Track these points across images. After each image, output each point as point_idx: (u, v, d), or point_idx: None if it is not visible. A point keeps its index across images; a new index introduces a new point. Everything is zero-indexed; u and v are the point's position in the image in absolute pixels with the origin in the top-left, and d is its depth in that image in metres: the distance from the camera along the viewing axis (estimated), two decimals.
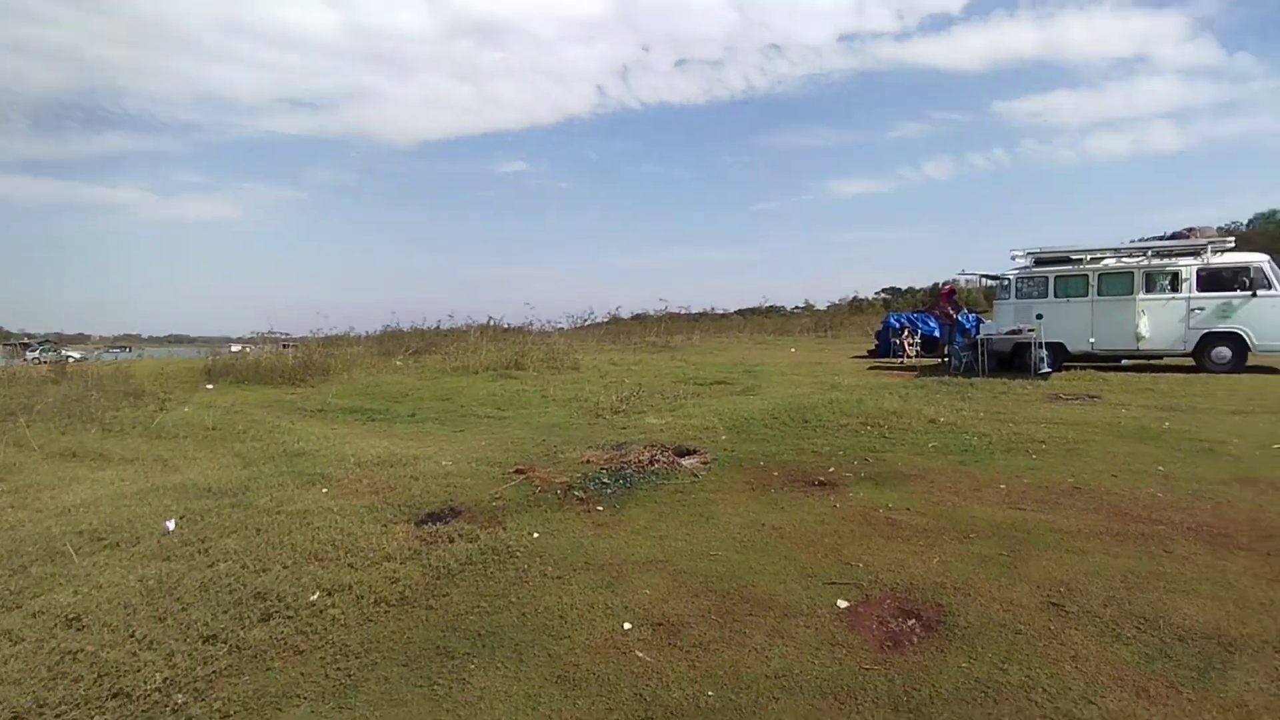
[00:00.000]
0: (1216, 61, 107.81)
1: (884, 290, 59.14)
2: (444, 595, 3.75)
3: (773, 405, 9.78)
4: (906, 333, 18.12)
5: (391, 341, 23.48)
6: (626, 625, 3.35)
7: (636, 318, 44.97)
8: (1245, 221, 62.15)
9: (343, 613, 3.54)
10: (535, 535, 4.69)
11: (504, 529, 4.83)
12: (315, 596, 3.71)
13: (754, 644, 3.11)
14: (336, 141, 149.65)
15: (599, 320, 39.38)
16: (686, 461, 6.73)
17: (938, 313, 16.31)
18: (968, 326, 15.40)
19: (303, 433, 8.85)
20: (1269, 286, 11.28)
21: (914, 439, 7.27)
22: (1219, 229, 12.47)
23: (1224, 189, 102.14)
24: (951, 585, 3.58)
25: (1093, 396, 9.65)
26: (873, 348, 20.01)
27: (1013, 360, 13.28)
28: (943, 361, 15.71)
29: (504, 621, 3.43)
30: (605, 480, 6.04)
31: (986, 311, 21.01)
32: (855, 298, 50.24)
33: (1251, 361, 11.74)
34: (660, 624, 3.35)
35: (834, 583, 3.71)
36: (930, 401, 9.59)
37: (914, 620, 3.27)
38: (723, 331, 40.73)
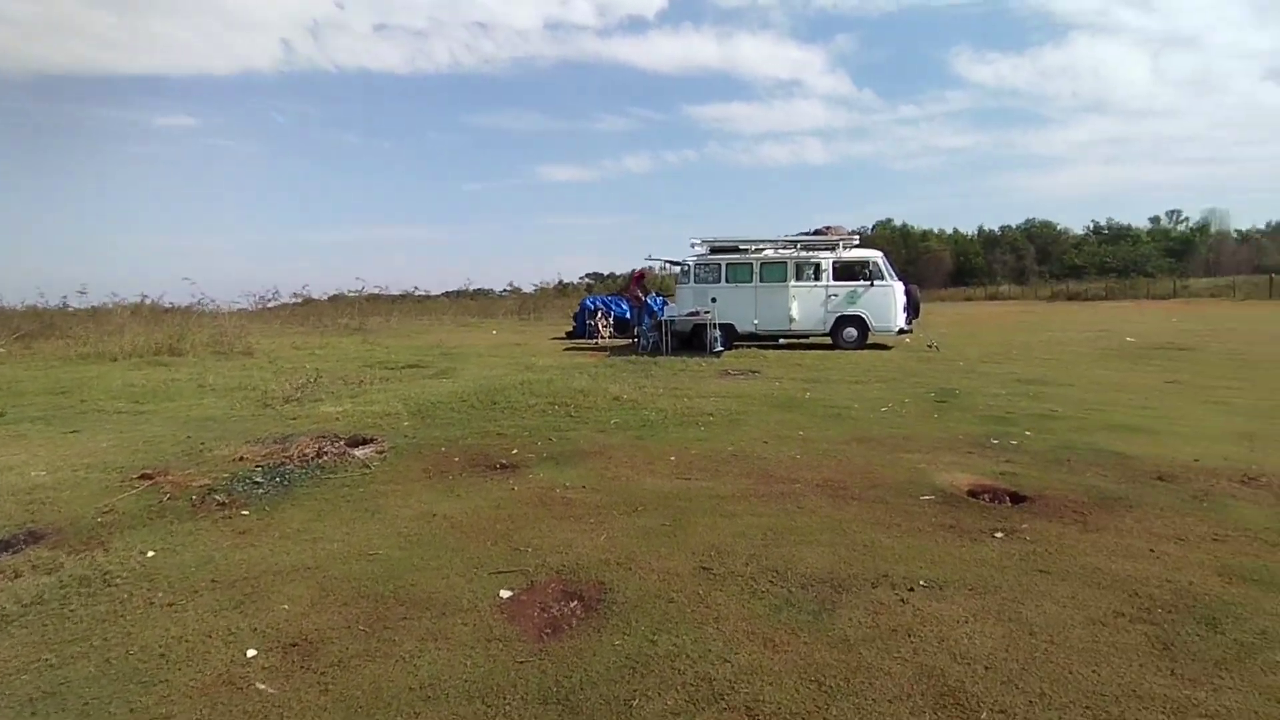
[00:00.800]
0: (850, 94, 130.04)
1: (588, 275, 61.51)
2: None
3: (464, 388, 9.45)
4: (601, 315, 18.93)
5: None
6: (251, 652, 2.83)
7: (332, 299, 41.26)
8: (871, 225, 75.81)
9: None
10: (150, 554, 3.85)
11: (106, 551, 3.90)
12: None
13: (403, 653, 2.80)
14: None
15: (287, 301, 35.36)
16: (360, 452, 6.13)
17: (629, 296, 17.28)
18: (655, 309, 16.52)
19: None
20: (883, 278, 13.78)
21: (598, 416, 7.47)
22: (850, 230, 14.85)
23: (858, 199, 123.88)
24: (615, 561, 3.62)
25: (754, 372, 10.88)
26: (570, 329, 20.60)
27: (692, 340, 14.52)
28: (633, 342, 16.67)
29: (76, 674, 2.68)
30: (258, 480, 5.24)
31: (673, 295, 22.86)
32: (560, 281, 51.54)
33: (873, 340, 14.23)
34: (295, 644, 2.88)
35: (500, 572, 3.54)
36: (616, 379, 10.02)
37: (576, 602, 3.22)
38: (425, 314, 39.06)
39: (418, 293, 46.80)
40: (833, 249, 14.02)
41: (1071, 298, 48.77)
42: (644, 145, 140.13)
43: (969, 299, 49.98)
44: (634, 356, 13.10)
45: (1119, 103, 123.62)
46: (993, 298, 54.67)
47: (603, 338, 18.25)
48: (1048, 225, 76.51)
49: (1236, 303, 37.51)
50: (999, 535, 3.88)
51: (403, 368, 12.88)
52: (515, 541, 3.94)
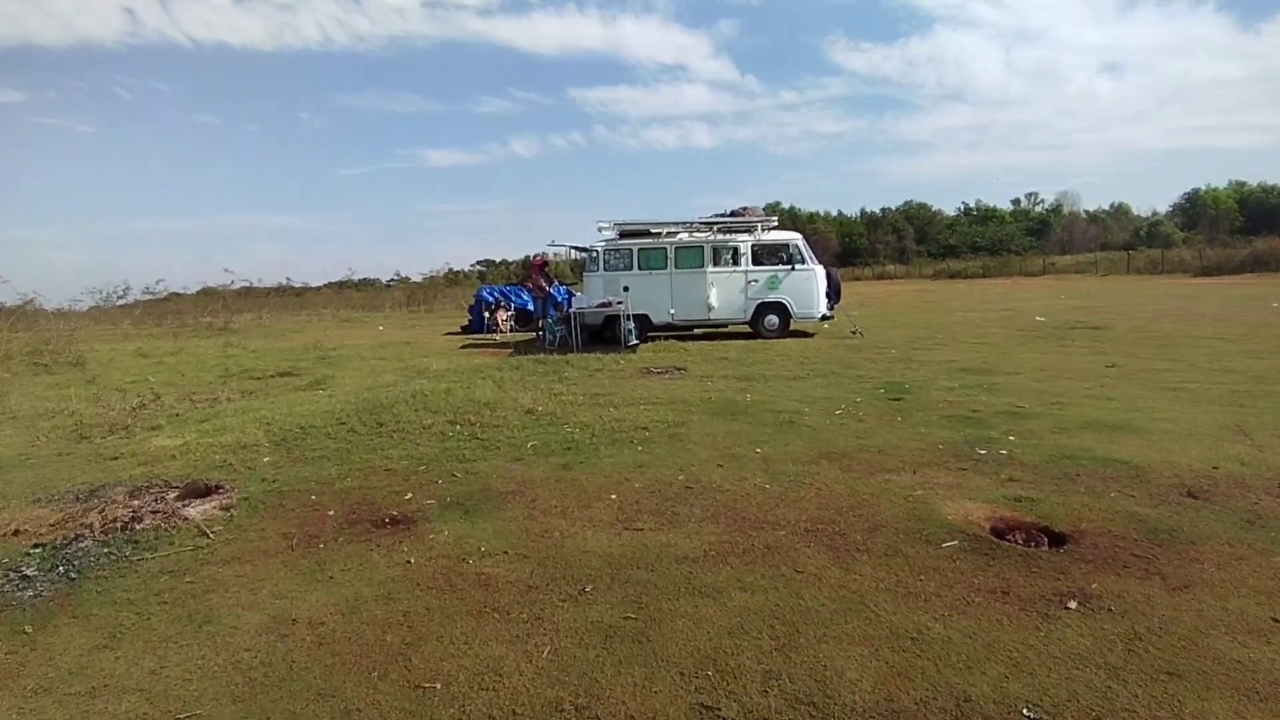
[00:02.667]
0: (734, 79, 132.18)
1: (479, 262, 59.10)
2: None
3: (343, 404, 7.89)
4: (500, 307, 17.39)
5: None
6: None
7: (202, 293, 37.27)
8: (761, 208, 76.77)
9: None
10: None
11: None
12: None
13: None
14: None
15: (141, 298, 31.38)
16: (197, 509, 4.60)
17: (530, 285, 15.87)
18: (560, 300, 15.22)
19: None
20: (804, 261, 13.03)
21: (511, 437, 6.18)
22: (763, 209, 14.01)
23: (741, 182, 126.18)
24: (571, 702, 2.42)
25: (679, 369, 9.83)
26: (466, 323, 18.92)
27: (603, 333, 13.33)
28: (537, 337, 15.31)
29: None
30: (29, 572, 3.68)
31: (575, 284, 21.53)
32: (451, 269, 49.05)
33: (794, 327, 13.49)
34: None
35: None
36: (526, 386, 8.71)
37: None
38: (304, 308, 36.05)
39: (294, 285, 43.31)
40: (751, 231, 13.13)
41: (953, 276, 50.99)
42: (530, 129, 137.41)
43: (858, 279, 51.21)
44: (541, 355, 11.76)
45: (978, 92, 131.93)
46: (880, 277, 56.46)
47: (502, 333, 16.74)
48: (924, 207, 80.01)
49: (1100, 278, 40.11)
50: (1072, 606, 2.95)
51: (271, 377, 11.03)
52: (417, 670, 2.66)
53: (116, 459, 6.02)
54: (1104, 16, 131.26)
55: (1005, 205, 79.74)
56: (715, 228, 13.14)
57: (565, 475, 5.08)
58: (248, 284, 33.88)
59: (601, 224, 13.00)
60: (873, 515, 4.08)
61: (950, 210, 79.56)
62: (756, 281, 13.08)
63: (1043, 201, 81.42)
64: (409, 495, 4.77)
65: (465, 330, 18.57)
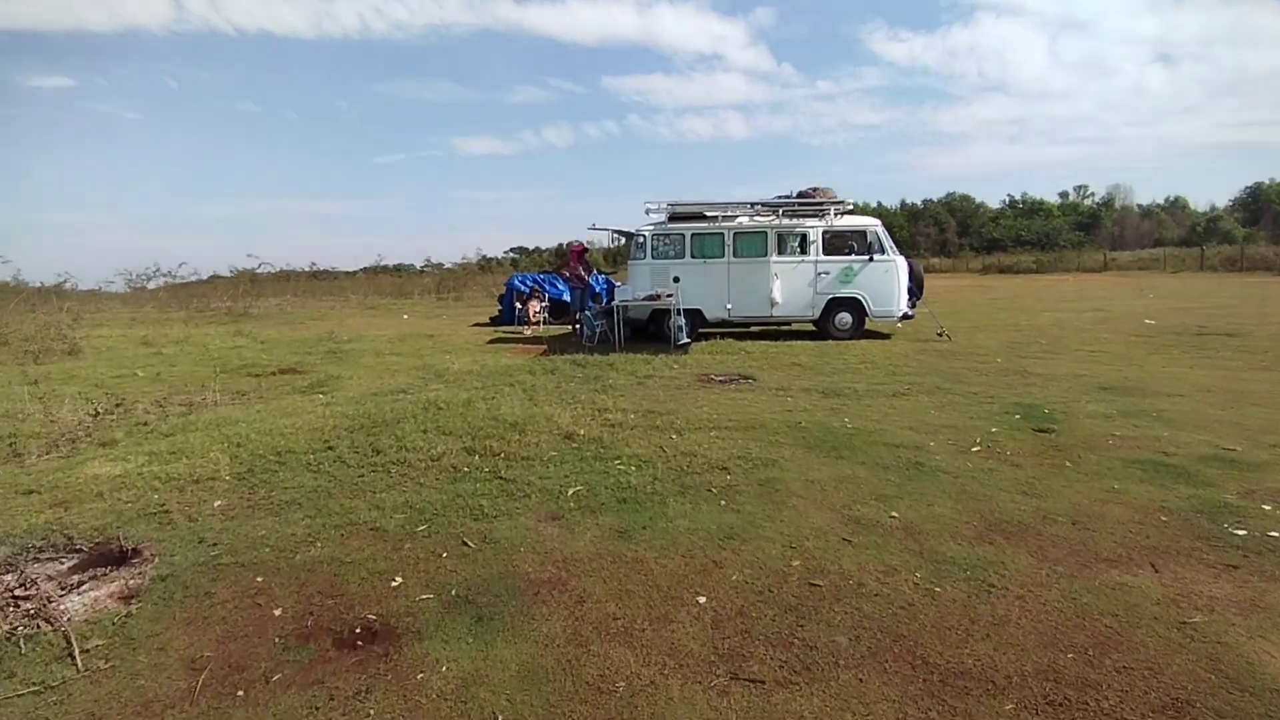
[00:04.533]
0: (769, 68, 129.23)
1: (512, 249, 57.96)
2: None
3: (339, 416, 6.41)
4: (534, 297, 15.84)
5: None
6: None
7: (214, 278, 36.36)
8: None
9: None
10: None
11: None
12: None
13: None
14: None
15: (174, 281, 30.49)
16: (87, 597, 3.13)
17: (568, 274, 14.30)
18: (598, 290, 13.67)
19: None
20: (883, 251, 11.25)
21: (545, 477, 4.63)
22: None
23: (776, 173, 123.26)
24: None
25: (746, 378, 8.18)
26: (495, 313, 17.43)
27: (648, 328, 11.73)
28: (573, 331, 13.78)
29: None
30: None
31: (614, 273, 19.94)
32: (483, 256, 47.66)
33: (868, 327, 11.69)
34: None
35: None
36: (563, 397, 7.16)
37: None
38: (331, 294, 34.98)
39: (323, 269, 42.35)
40: (822, 215, 11.38)
41: (1003, 270, 48.39)
42: (564, 117, 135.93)
43: None
44: (579, 354, 10.18)
45: (1020, 83, 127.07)
46: (927, 271, 53.92)
47: (534, 326, 15.21)
48: (967, 199, 76.87)
49: (1170, 274, 37.43)
50: None
51: (271, 374, 9.62)
52: None
53: (31, 493, 4.59)
54: (1158, 4, 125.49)
55: (1052, 198, 76.35)
56: (781, 211, 11.38)
57: (624, 551, 3.51)
58: (270, 268, 32.69)
59: (650, 205, 11.33)
60: (1146, 667, 2.45)
61: (993, 203, 76.39)
62: (828, 273, 11.32)
63: (1092, 195, 77.79)
64: (397, 580, 3.24)
65: (494, 321, 17.09)
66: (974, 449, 5.13)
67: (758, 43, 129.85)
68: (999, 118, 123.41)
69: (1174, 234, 64.66)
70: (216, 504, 4.27)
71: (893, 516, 3.88)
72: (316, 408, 6.98)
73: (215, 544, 3.68)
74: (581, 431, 5.66)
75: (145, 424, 6.59)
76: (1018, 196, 76.16)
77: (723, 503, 4.15)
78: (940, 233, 71.10)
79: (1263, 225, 60.45)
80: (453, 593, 3.12)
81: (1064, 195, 78.55)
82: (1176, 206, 76.68)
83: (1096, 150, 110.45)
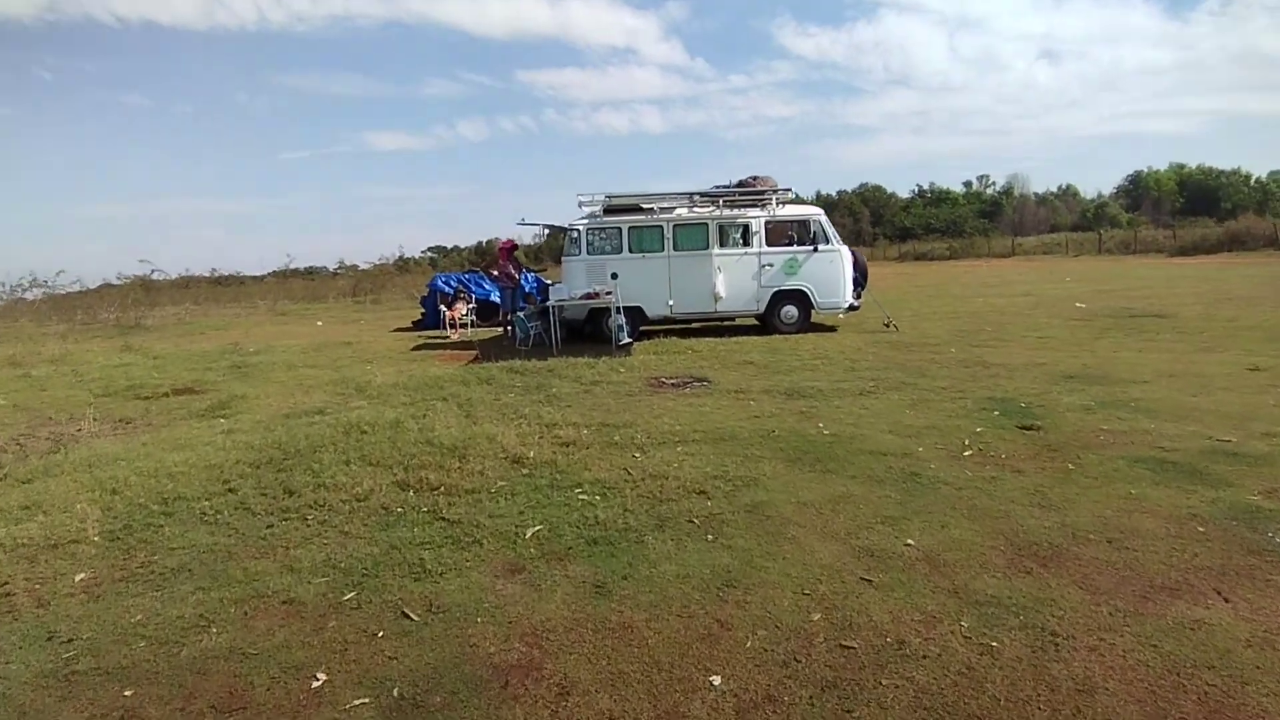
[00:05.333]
0: (683, 62, 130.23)
1: (431, 248, 56.05)
2: None
3: (243, 446, 5.49)
4: (459, 298, 14.87)
5: None
6: None
7: (106, 286, 33.38)
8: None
9: None
10: None
11: None
12: None
13: None
14: None
15: (53, 292, 27.63)
16: None
17: (496, 273, 13.40)
18: (529, 290, 12.87)
19: None
20: (828, 241, 10.89)
21: (496, 514, 3.92)
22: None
23: (694, 167, 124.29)
24: None
25: (700, 380, 7.61)
26: (419, 317, 16.35)
27: (585, 328, 11.04)
28: (504, 333, 12.94)
29: None
30: None
31: (543, 270, 19.10)
32: (401, 256, 45.70)
33: (813, 319, 11.29)
34: None
35: None
36: (505, 411, 6.42)
37: None
38: (238, 300, 32.65)
39: (228, 274, 39.61)
40: (763, 206, 10.93)
41: (918, 258, 49.83)
42: (478, 112, 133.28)
43: None
44: (514, 361, 9.39)
45: (922, 77, 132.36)
46: None
47: (461, 330, 14.27)
48: (879, 189, 79.22)
49: (1073, 258, 39.25)
50: None
51: (163, 396, 8.47)
52: None
53: None
54: (1042, 4, 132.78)
55: (957, 187, 79.44)
56: (721, 201, 10.86)
57: (606, 614, 2.86)
58: (165, 274, 30.22)
59: (583, 197, 10.60)
60: None
61: (903, 193, 78.92)
62: (772, 266, 10.85)
63: (994, 184, 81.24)
64: (320, 678, 2.51)
65: (417, 326, 16.02)
66: (966, 453, 4.71)
67: (670, 37, 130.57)
68: (903, 110, 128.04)
69: (1067, 220, 68.34)
70: (78, 578, 3.38)
71: (908, 545, 3.37)
72: (216, 436, 6.02)
73: (70, 640, 2.83)
74: (531, 454, 4.96)
75: None
76: (925, 186, 78.93)
77: (709, 537, 3.55)
78: (855, 223, 72.80)
79: (1143, 210, 64.66)
80: (394, 692, 2.41)
81: (968, 184, 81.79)
82: (1068, 194, 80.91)
83: (993, 141, 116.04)
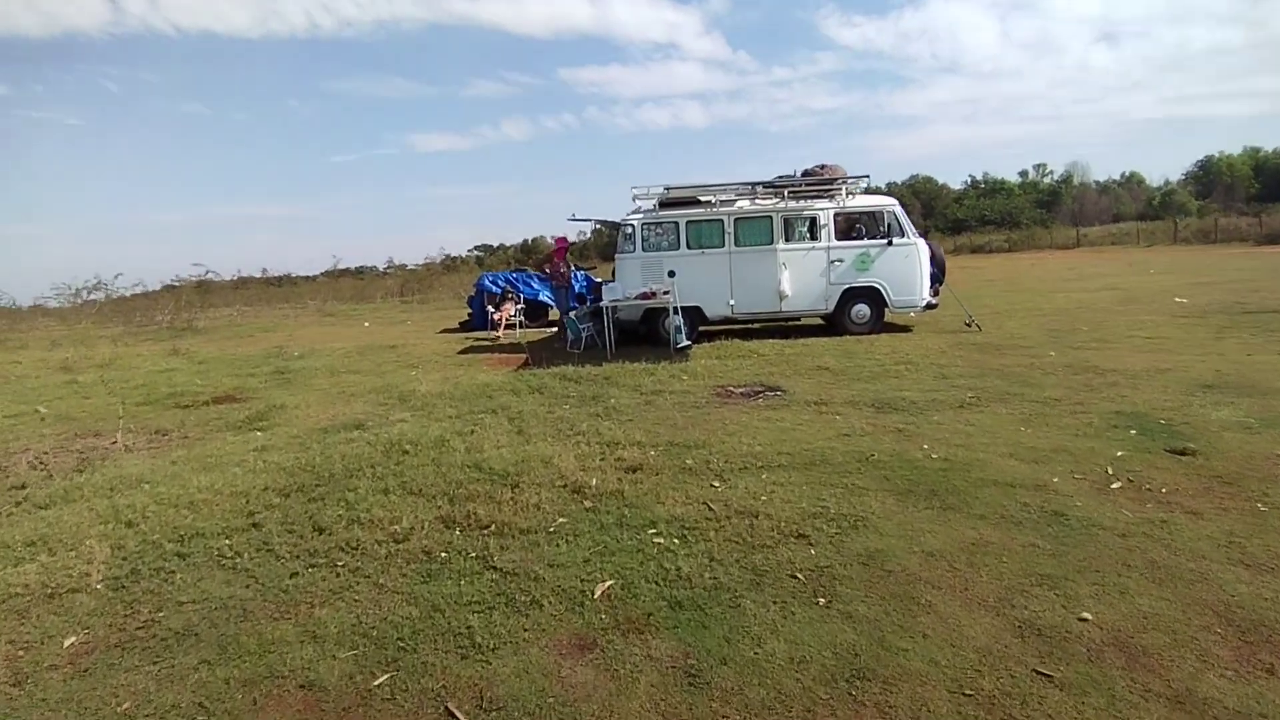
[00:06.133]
0: (726, 56, 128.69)
1: (477, 247, 56.18)
2: None
3: (274, 468, 4.98)
4: (507, 299, 14.35)
5: None
6: None
7: (186, 286, 33.99)
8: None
9: None
10: None
11: None
12: None
13: None
14: None
15: (114, 294, 28.23)
16: None
17: (549, 272, 12.83)
18: (580, 290, 12.29)
19: None
20: (903, 235, 10.03)
21: (556, 566, 3.29)
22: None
23: (737, 161, 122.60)
24: None
25: (773, 390, 6.88)
26: (465, 318, 15.92)
27: (640, 330, 10.39)
28: (555, 335, 12.36)
29: None
30: None
31: (592, 268, 18.48)
32: (447, 255, 45.80)
33: (887, 318, 10.43)
34: None
35: None
36: (560, 426, 5.80)
37: None
38: (287, 300, 32.95)
39: (280, 275, 40.18)
40: (832, 196, 10.10)
41: (974, 251, 47.93)
42: (521, 111, 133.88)
43: None
44: (567, 366, 8.78)
45: (973, 64, 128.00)
46: None
47: (510, 332, 13.75)
48: (930, 180, 76.65)
49: (1145, 249, 37.10)
50: None
51: (203, 404, 8.10)
52: None
53: None
54: None
55: (1012, 177, 76.40)
56: (786, 192, 10.11)
57: (705, 717, 2.20)
58: (218, 276, 30.50)
59: (637, 190, 9.94)
60: None
61: (955, 184, 76.27)
62: (842, 261, 10.02)
63: (1051, 173, 77.96)
64: None
65: (464, 327, 15.58)
66: (1114, 485, 3.91)
67: (712, 30, 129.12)
68: (954, 98, 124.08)
69: (1131, 209, 65.04)
70: (67, 643, 2.85)
71: (1084, 619, 2.63)
72: (248, 455, 5.53)
73: None
74: (594, 481, 4.31)
75: (22, 488, 5.10)
76: (979, 176, 76.11)
77: (821, 600, 2.86)
78: (907, 215, 70.75)
79: (1214, 198, 61.06)
80: None
81: (1024, 174, 78.58)
82: (1133, 181, 77.18)
83: (1049, 128, 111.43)
